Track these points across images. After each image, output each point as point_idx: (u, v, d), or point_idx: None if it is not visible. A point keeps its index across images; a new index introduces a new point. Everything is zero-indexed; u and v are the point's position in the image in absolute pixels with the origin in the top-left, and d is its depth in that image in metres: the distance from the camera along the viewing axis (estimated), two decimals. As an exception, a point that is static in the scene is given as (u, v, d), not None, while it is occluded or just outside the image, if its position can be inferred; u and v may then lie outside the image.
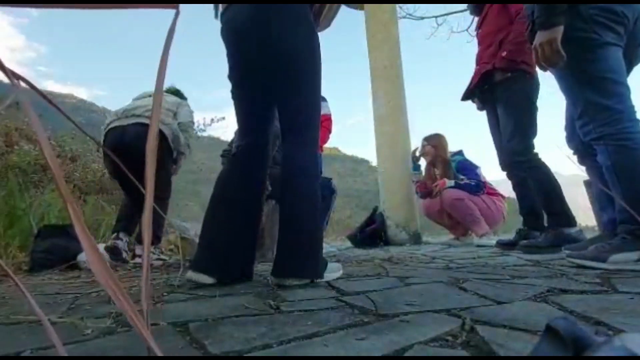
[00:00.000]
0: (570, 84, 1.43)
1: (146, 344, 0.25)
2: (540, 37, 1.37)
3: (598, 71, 1.34)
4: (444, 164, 3.32)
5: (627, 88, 1.36)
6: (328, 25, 1.47)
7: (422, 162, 3.63)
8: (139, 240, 2.53)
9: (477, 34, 2.50)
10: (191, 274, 1.24)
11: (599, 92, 1.34)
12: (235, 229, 1.29)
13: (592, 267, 1.31)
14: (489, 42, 2.32)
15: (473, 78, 2.39)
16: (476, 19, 2.74)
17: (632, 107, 1.34)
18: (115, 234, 2.38)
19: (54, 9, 0.29)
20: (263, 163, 1.38)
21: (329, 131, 3.38)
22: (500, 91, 2.25)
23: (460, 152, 3.39)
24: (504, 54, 2.19)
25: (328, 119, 3.27)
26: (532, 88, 2.21)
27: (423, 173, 3.55)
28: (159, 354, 0.25)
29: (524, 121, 2.16)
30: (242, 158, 1.35)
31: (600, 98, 1.33)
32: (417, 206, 3.67)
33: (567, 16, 1.33)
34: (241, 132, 1.39)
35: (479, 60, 2.38)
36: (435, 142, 3.42)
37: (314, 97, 1.31)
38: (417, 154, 3.54)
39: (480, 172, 3.25)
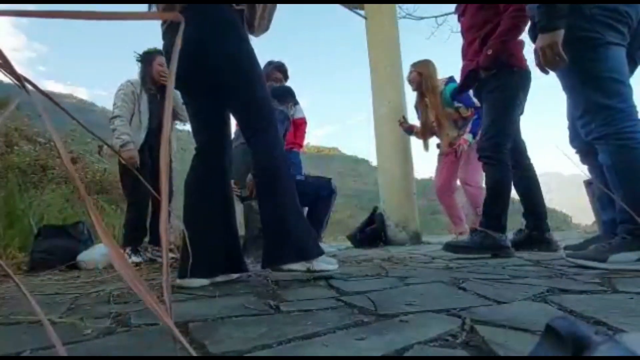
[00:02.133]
0: (572, 83, 1.43)
1: (172, 334, 0.25)
2: (541, 40, 1.37)
3: (600, 70, 1.33)
4: (434, 92, 3.14)
5: (629, 88, 1.35)
6: (267, 27, 1.47)
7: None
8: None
9: (460, 24, 2.31)
10: (179, 281, 1.27)
11: (600, 92, 1.33)
12: (208, 227, 1.33)
13: (592, 267, 1.31)
14: (472, 36, 2.18)
15: (460, 76, 2.27)
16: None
17: (634, 106, 1.34)
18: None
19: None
20: (222, 157, 1.43)
21: (304, 132, 3.42)
22: (485, 88, 2.15)
23: (452, 79, 3.17)
24: (489, 52, 2.03)
25: (303, 122, 3.34)
26: (518, 83, 2.05)
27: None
28: (185, 343, 0.25)
29: (503, 119, 2.05)
30: (202, 157, 1.42)
31: (602, 97, 1.33)
32: (417, 206, 3.67)
33: (571, 17, 1.33)
34: (195, 134, 1.46)
35: (464, 56, 2.24)
36: (421, 69, 3.21)
37: (261, 104, 1.33)
38: (408, 77, 3.37)
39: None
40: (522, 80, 2.08)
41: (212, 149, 1.41)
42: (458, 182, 3.34)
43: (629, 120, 1.31)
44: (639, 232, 1.28)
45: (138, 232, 2.52)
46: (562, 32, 1.33)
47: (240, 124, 1.39)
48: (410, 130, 3.57)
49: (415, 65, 3.29)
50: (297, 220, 1.28)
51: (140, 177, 2.46)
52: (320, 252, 1.30)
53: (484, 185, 2.87)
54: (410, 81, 3.32)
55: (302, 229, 1.29)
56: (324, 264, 1.29)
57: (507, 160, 2.04)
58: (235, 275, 1.38)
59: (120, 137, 2.39)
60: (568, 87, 1.45)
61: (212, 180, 1.39)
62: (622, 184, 1.33)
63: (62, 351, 0.24)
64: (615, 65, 1.33)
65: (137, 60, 2.65)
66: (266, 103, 1.33)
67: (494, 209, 1.99)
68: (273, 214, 1.27)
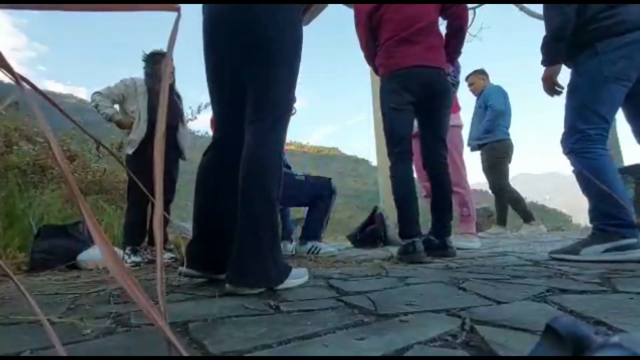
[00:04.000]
0: (570, 105, 1.66)
1: (166, 339, 0.24)
2: (544, 73, 1.72)
3: (589, 101, 1.59)
4: None
5: (607, 122, 1.59)
6: (308, 22, 1.47)
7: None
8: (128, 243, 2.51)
9: None
10: (181, 269, 1.26)
11: (581, 119, 1.60)
12: (218, 218, 1.27)
13: (569, 259, 1.58)
14: None
15: None
16: (476, 19, 2.61)
17: (603, 136, 1.60)
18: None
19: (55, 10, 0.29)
20: (237, 155, 1.30)
21: None
22: None
23: None
24: None
25: None
26: (383, 89, 2.09)
27: None
28: (181, 349, 0.25)
29: (387, 128, 2.10)
30: (221, 148, 1.34)
31: (579, 122, 1.60)
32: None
33: (585, 52, 1.57)
34: (218, 124, 1.37)
35: None
36: None
37: (286, 91, 1.25)
38: None
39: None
40: (385, 84, 2.08)
41: (230, 143, 1.31)
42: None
43: (591, 142, 1.59)
44: (604, 227, 1.56)
45: (137, 232, 2.52)
46: (558, 66, 1.69)
47: (249, 110, 1.25)
48: None
49: None
50: (273, 239, 1.14)
51: (134, 176, 2.47)
52: (287, 274, 1.17)
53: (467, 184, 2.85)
54: None
55: (276, 251, 1.15)
56: (290, 280, 1.16)
57: (399, 164, 2.05)
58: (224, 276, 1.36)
59: (104, 112, 2.46)
60: (566, 107, 1.69)
61: (224, 172, 1.30)
62: (587, 187, 1.60)
63: (61, 351, 0.24)
64: (605, 99, 1.58)
65: (142, 59, 2.66)
66: (284, 99, 1.25)
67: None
68: (247, 223, 1.12)
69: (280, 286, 1.13)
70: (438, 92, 2.04)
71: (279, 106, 1.23)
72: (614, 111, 1.62)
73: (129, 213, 2.54)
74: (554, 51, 1.64)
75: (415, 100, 2.03)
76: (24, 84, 0.29)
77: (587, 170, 1.55)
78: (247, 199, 1.14)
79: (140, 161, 2.46)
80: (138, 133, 2.49)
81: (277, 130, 1.22)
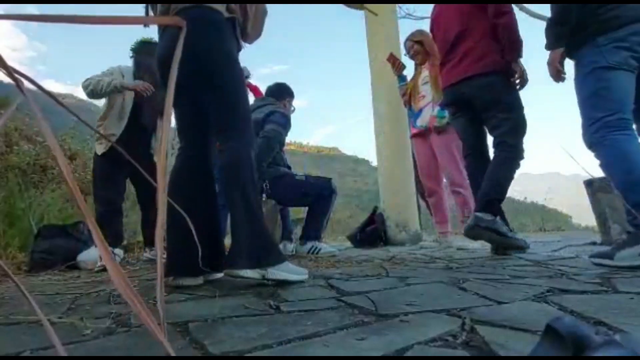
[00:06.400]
0: (580, 98, 1.64)
1: (161, 343, 0.25)
2: (548, 57, 1.67)
3: (597, 89, 1.54)
4: (434, 65, 2.81)
5: (624, 105, 1.52)
6: (258, 35, 1.51)
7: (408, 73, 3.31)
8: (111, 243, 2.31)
9: None
10: (171, 282, 1.27)
11: (594, 107, 1.54)
12: (195, 220, 1.29)
13: (605, 264, 1.37)
14: None
15: None
16: None
17: (625, 120, 1.49)
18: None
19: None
20: (206, 161, 1.44)
21: None
22: None
23: None
24: None
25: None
26: None
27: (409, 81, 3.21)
28: (172, 353, 0.25)
29: None
30: (186, 156, 1.42)
31: (594, 112, 1.53)
32: (417, 206, 3.66)
33: (585, 45, 1.56)
34: (180, 136, 1.45)
35: None
36: (418, 38, 3.02)
37: (235, 104, 1.35)
38: (409, 53, 3.15)
39: None
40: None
41: (194, 151, 1.42)
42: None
43: (611, 128, 1.50)
44: (635, 224, 1.38)
45: (107, 232, 2.28)
46: (559, 50, 1.63)
47: (214, 122, 1.39)
48: (398, 67, 3.27)
49: (412, 38, 3.09)
50: (253, 223, 1.23)
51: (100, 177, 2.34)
52: (280, 261, 1.22)
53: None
54: (414, 54, 3.10)
55: (258, 234, 1.23)
56: (284, 272, 1.20)
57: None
58: (218, 275, 1.37)
59: (113, 85, 2.27)
60: (578, 103, 1.66)
61: (195, 182, 1.38)
62: (613, 179, 1.48)
63: (62, 351, 0.24)
64: (613, 85, 1.53)
65: (131, 48, 2.50)
66: (241, 104, 1.35)
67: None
68: (233, 216, 1.25)
69: (277, 277, 1.18)
70: (474, 99, 2.08)
71: (244, 119, 1.35)
72: (628, 96, 1.54)
73: (97, 213, 2.38)
74: (556, 34, 1.61)
75: (460, 111, 2.19)
76: (27, 85, 0.29)
77: (611, 159, 1.46)
78: (230, 196, 1.27)
79: (111, 163, 2.36)
80: (118, 127, 2.36)
81: (247, 135, 1.34)
